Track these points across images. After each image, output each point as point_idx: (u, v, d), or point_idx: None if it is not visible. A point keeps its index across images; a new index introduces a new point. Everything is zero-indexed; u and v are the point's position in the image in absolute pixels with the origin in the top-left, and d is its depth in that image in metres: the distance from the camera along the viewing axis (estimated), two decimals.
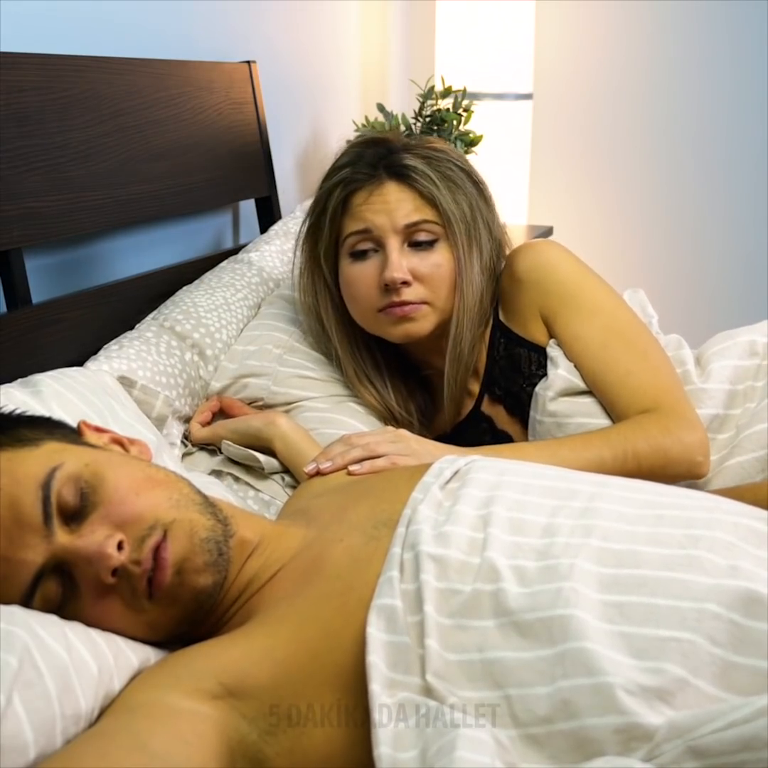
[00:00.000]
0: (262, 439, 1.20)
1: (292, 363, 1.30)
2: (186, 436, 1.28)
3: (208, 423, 1.28)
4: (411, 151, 1.19)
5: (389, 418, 1.26)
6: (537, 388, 1.15)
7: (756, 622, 0.62)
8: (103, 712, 0.69)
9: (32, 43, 1.30)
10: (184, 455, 1.25)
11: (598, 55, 2.42)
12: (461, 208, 1.17)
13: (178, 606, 0.76)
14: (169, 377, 1.24)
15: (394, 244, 1.15)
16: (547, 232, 2.30)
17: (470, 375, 1.23)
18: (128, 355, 1.22)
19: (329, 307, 1.26)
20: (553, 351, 1.14)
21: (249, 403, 1.30)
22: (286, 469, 1.21)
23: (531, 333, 1.18)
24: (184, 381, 1.27)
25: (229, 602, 0.81)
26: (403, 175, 1.17)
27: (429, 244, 1.17)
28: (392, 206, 1.16)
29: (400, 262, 1.14)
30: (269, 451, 1.20)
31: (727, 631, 0.62)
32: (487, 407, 1.24)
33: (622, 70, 2.41)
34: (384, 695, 0.63)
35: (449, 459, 0.87)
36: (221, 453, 1.25)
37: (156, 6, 1.58)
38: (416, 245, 1.17)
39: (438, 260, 1.17)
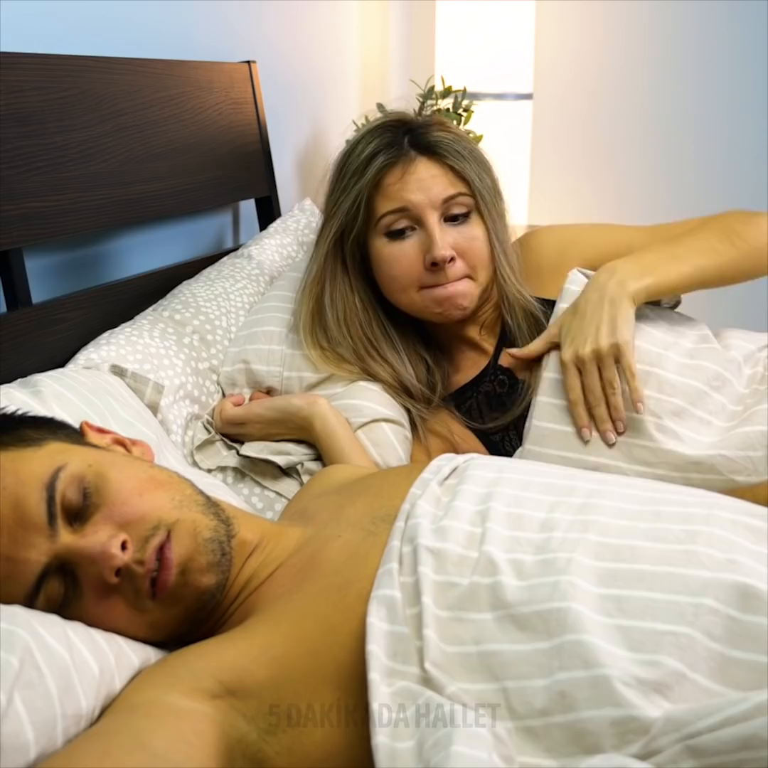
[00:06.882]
0: (300, 417, 1.20)
1: (299, 342, 1.29)
2: (210, 422, 1.26)
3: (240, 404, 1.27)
4: (431, 127, 1.20)
5: (401, 391, 1.26)
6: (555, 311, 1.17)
7: (753, 617, 0.62)
8: (103, 712, 0.69)
9: (32, 43, 1.30)
10: (204, 443, 1.22)
11: (598, 55, 2.42)
12: (486, 181, 1.20)
13: (181, 606, 0.76)
14: (162, 359, 1.22)
15: (433, 221, 1.16)
16: None
17: (487, 334, 1.27)
18: (118, 341, 1.21)
19: (346, 290, 1.25)
20: (572, 277, 1.15)
21: (266, 393, 1.29)
22: (308, 459, 1.20)
23: (548, 292, 1.21)
24: (182, 360, 1.25)
25: (229, 602, 0.81)
26: (433, 151, 1.18)
27: (465, 217, 1.19)
28: (427, 183, 1.16)
29: (444, 239, 1.16)
30: (298, 435, 1.20)
31: (725, 626, 0.62)
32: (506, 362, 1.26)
33: (622, 70, 2.41)
34: (383, 685, 0.63)
35: (447, 457, 0.88)
36: (237, 450, 1.23)
37: (156, 6, 1.58)
38: (452, 219, 1.18)
39: (475, 233, 1.19)
